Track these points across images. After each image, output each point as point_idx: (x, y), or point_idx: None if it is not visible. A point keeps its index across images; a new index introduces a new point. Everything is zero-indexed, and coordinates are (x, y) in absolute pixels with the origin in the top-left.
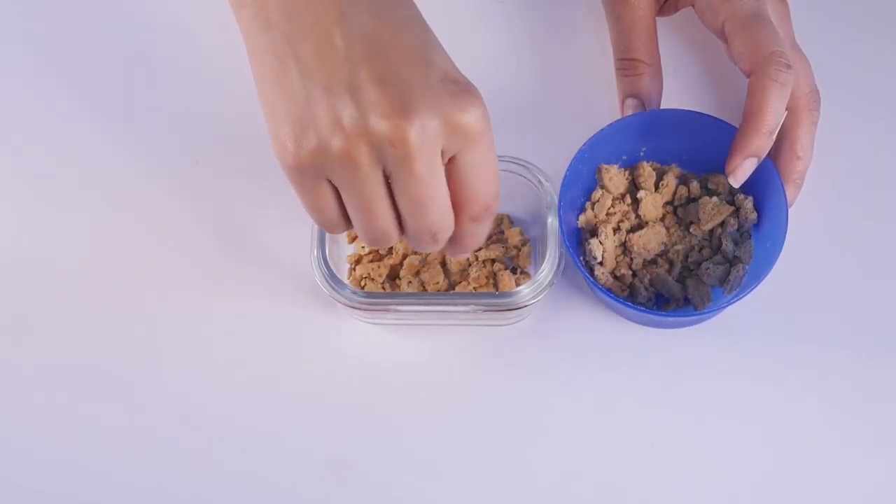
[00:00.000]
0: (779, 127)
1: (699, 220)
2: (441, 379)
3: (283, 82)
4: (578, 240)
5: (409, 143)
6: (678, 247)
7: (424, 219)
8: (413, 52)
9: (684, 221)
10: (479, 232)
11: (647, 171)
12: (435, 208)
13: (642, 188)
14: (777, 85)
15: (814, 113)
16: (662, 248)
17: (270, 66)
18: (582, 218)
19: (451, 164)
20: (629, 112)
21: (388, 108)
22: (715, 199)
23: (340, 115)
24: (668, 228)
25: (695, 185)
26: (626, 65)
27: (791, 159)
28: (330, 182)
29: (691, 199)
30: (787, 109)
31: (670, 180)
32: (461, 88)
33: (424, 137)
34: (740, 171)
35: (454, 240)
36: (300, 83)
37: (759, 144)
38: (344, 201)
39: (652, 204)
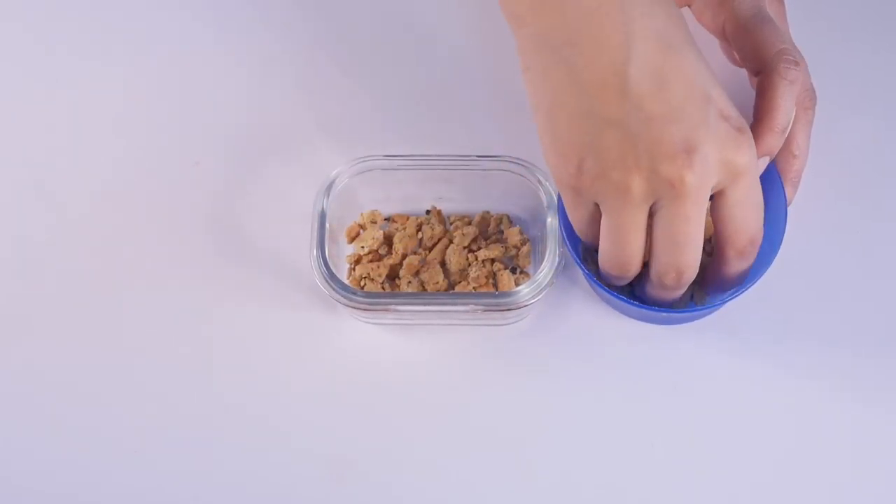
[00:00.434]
0: (790, 124)
1: None
2: (441, 379)
3: (565, 106)
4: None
5: (687, 184)
6: None
7: (679, 257)
8: (693, 89)
9: None
10: (743, 267)
11: None
12: (692, 248)
13: None
14: (787, 83)
15: (809, 112)
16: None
17: (552, 87)
18: None
19: (718, 200)
20: None
21: (671, 149)
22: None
23: (623, 149)
24: None
25: None
26: None
27: (788, 158)
28: (597, 203)
29: None
30: None
31: None
32: (735, 126)
33: (702, 178)
34: None
35: (718, 276)
36: (582, 111)
37: (771, 142)
38: (602, 224)
39: None
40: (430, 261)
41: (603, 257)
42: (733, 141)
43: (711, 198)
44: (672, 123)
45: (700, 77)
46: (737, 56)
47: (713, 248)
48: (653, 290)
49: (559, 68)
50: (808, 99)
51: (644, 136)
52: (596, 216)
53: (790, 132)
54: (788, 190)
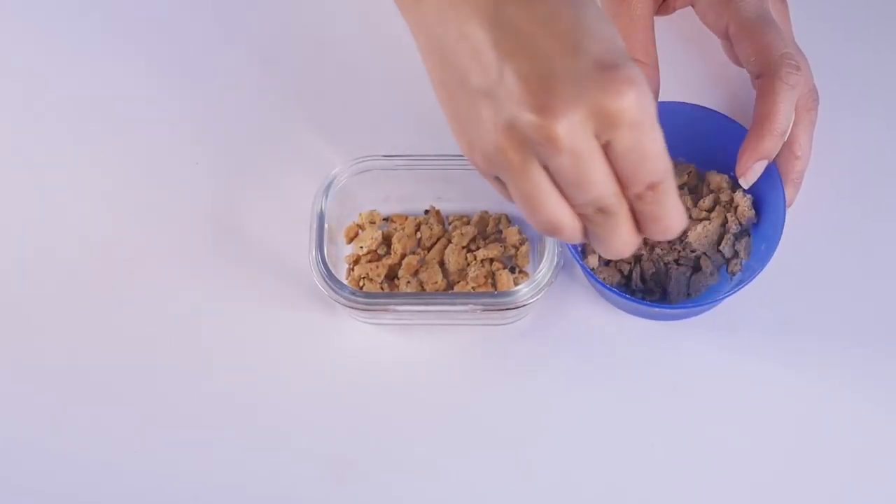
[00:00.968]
0: (790, 128)
1: (687, 237)
2: (440, 379)
3: (446, 82)
4: None
5: (558, 141)
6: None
7: (586, 196)
8: (562, 42)
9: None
10: (652, 213)
11: None
12: (595, 186)
13: None
14: (787, 87)
15: (812, 112)
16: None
17: (434, 65)
18: None
19: (606, 148)
20: None
21: (533, 107)
22: (701, 226)
23: (492, 117)
24: None
25: (688, 201)
26: None
27: (790, 159)
28: None
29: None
30: None
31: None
32: (611, 75)
33: (573, 132)
34: (751, 173)
35: (637, 221)
36: (459, 84)
37: (770, 146)
38: (513, 197)
39: None
40: (429, 261)
41: (532, 224)
42: (606, 90)
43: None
44: (535, 82)
45: (570, 28)
46: (740, 60)
47: None
48: (594, 239)
49: (435, 43)
50: (811, 100)
51: (508, 101)
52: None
53: (792, 133)
54: (790, 190)
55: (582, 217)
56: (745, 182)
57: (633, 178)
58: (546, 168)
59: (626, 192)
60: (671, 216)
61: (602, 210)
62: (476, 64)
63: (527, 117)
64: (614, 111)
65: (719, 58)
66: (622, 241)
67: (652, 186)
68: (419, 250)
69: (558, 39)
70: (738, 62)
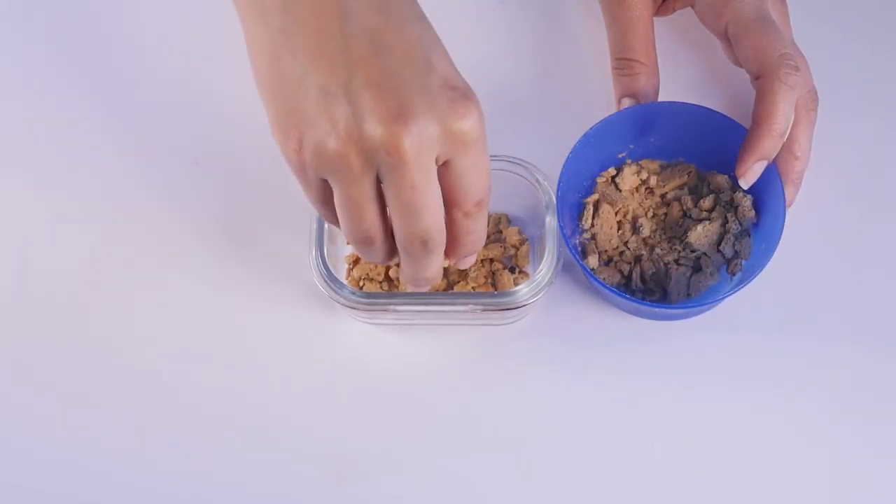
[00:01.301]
0: (789, 129)
1: (687, 237)
2: (441, 379)
3: (281, 78)
4: (577, 225)
5: (403, 152)
6: (670, 245)
7: (416, 225)
8: (413, 55)
9: (680, 226)
10: (473, 228)
11: (631, 178)
12: (426, 215)
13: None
14: (787, 88)
15: (811, 113)
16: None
17: (268, 60)
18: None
19: (443, 168)
20: None
21: (385, 115)
22: (701, 226)
23: (337, 118)
24: (664, 224)
25: (688, 201)
26: (623, 64)
27: (789, 159)
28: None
29: (686, 213)
30: None
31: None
32: (459, 95)
33: (420, 146)
34: (751, 174)
35: (451, 241)
36: (297, 81)
37: (769, 147)
38: (335, 199)
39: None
40: None
41: (345, 232)
42: (455, 109)
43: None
44: (388, 91)
45: (421, 43)
46: (739, 61)
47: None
48: (406, 265)
49: (276, 37)
50: (811, 101)
51: (358, 104)
52: (328, 193)
53: (792, 133)
54: (790, 190)
55: (405, 248)
56: (745, 183)
57: (466, 197)
58: (382, 186)
59: (454, 210)
60: (482, 228)
61: (425, 243)
62: (323, 65)
63: (375, 126)
64: (462, 131)
65: (719, 58)
66: (433, 273)
67: (478, 203)
68: None
69: (408, 53)
70: (737, 63)
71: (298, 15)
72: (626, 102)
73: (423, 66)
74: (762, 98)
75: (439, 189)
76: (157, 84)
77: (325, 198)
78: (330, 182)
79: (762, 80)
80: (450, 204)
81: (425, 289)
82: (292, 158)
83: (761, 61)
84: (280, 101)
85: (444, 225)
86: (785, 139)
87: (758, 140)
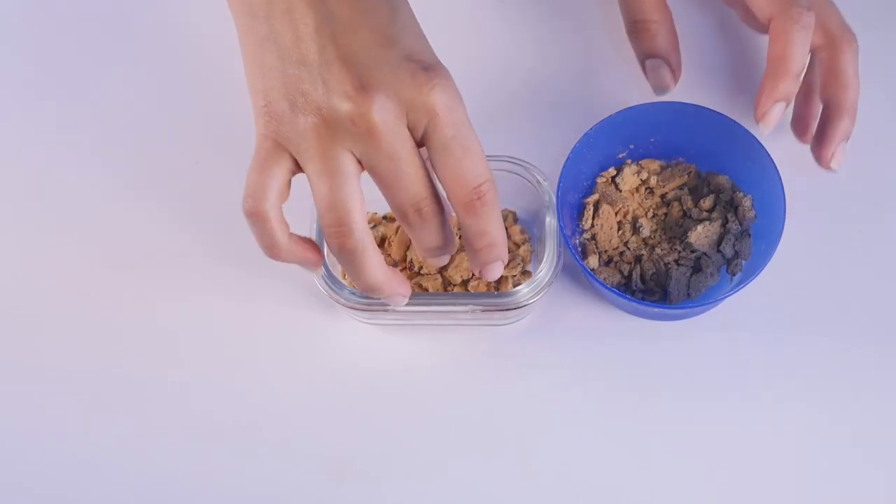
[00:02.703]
0: (804, 70)
1: (687, 237)
2: (441, 379)
3: (263, 60)
4: (577, 225)
5: (369, 121)
6: (670, 245)
7: (404, 194)
8: (378, 33)
9: (681, 226)
10: (482, 230)
11: (630, 178)
12: (410, 181)
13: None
14: (799, 27)
15: (853, 44)
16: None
17: (252, 46)
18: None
19: (427, 147)
20: (652, 76)
21: (349, 87)
22: (702, 226)
23: (309, 91)
24: (664, 225)
25: (688, 201)
26: (638, 27)
27: (837, 91)
28: (293, 159)
29: (686, 213)
30: (823, 46)
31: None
32: (423, 67)
33: (385, 115)
34: (770, 116)
35: (467, 250)
36: (277, 61)
37: (786, 88)
38: (309, 179)
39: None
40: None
41: (321, 212)
42: (416, 78)
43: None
44: (352, 65)
45: (386, 23)
46: (750, 7)
47: None
48: (413, 239)
49: (261, 27)
50: (846, 33)
51: (326, 79)
52: (288, 179)
53: (837, 66)
54: (846, 122)
55: (402, 220)
56: (766, 126)
57: (458, 181)
58: (363, 164)
59: (457, 208)
60: (495, 230)
61: (419, 211)
62: (298, 43)
63: (341, 99)
64: (427, 101)
65: (720, 58)
66: (438, 241)
67: (479, 195)
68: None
69: (376, 30)
70: (750, 19)
71: (279, 8)
72: (651, 64)
73: (389, 41)
74: (775, 40)
75: (419, 158)
76: (158, 84)
77: (285, 182)
78: (301, 158)
79: (774, 22)
80: (448, 195)
81: (443, 260)
82: (267, 135)
83: (772, 3)
84: (260, 82)
85: (435, 191)
86: (801, 81)
87: (774, 81)
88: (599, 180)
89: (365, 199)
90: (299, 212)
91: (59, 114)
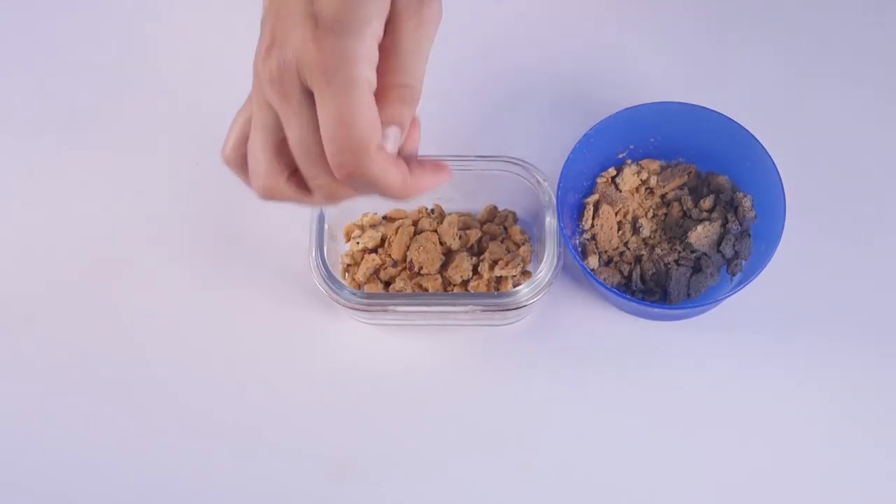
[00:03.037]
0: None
1: (687, 237)
2: (441, 379)
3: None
4: (577, 225)
5: (268, 77)
6: (669, 245)
7: (338, 144)
8: None
9: (681, 226)
10: (343, 194)
11: (631, 178)
12: (296, 132)
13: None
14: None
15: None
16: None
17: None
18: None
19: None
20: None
21: (263, 44)
22: (702, 226)
23: (259, 50)
24: (663, 225)
25: (688, 201)
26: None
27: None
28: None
29: (686, 214)
30: None
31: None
32: (322, 26)
33: (280, 73)
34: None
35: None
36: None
37: None
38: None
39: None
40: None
41: (295, 151)
42: (308, 39)
43: None
44: (272, 21)
45: None
46: None
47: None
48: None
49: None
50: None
51: (261, 34)
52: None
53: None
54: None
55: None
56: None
57: (327, 141)
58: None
59: (331, 160)
60: (388, 178)
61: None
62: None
63: (260, 57)
64: (311, 62)
65: (720, 57)
66: (328, 191)
67: (342, 168)
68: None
69: None
70: None
71: None
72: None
73: (306, 2)
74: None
75: (307, 108)
76: (158, 84)
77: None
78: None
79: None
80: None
81: (334, 201)
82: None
83: None
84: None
85: (317, 148)
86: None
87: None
88: (599, 180)
89: None
90: (299, 211)
91: (58, 113)
